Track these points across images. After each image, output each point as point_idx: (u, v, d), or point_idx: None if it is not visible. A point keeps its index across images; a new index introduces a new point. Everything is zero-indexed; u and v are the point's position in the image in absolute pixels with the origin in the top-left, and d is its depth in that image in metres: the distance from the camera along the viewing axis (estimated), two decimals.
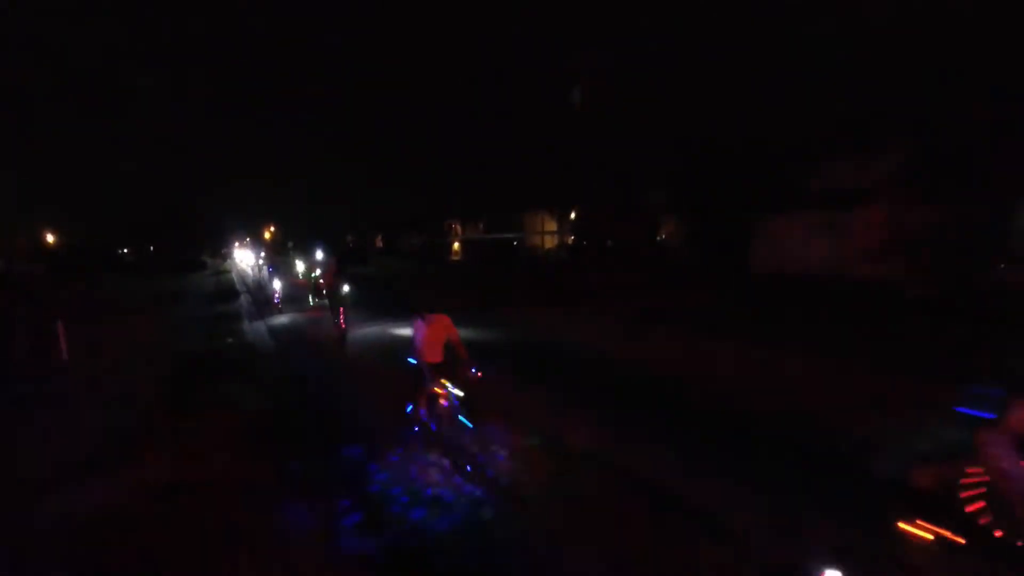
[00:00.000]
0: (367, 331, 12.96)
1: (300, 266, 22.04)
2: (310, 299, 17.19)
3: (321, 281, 15.91)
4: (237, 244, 71.92)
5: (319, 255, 20.32)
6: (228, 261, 60.72)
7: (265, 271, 25.92)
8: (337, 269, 13.21)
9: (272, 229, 77.52)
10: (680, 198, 30.53)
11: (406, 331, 12.14)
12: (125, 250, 68.56)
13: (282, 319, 15.54)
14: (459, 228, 62.59)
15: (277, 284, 17.04)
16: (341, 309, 11.80)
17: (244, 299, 20.99)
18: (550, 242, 51.01)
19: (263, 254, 40.01)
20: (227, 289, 26.66)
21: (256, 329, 14.13)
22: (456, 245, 61.66)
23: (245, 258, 52.76)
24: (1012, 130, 18.44)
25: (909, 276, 17.09)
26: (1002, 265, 16.67)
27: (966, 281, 15.84)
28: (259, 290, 23.66)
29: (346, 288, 12.20)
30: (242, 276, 35.19)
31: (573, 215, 44.87)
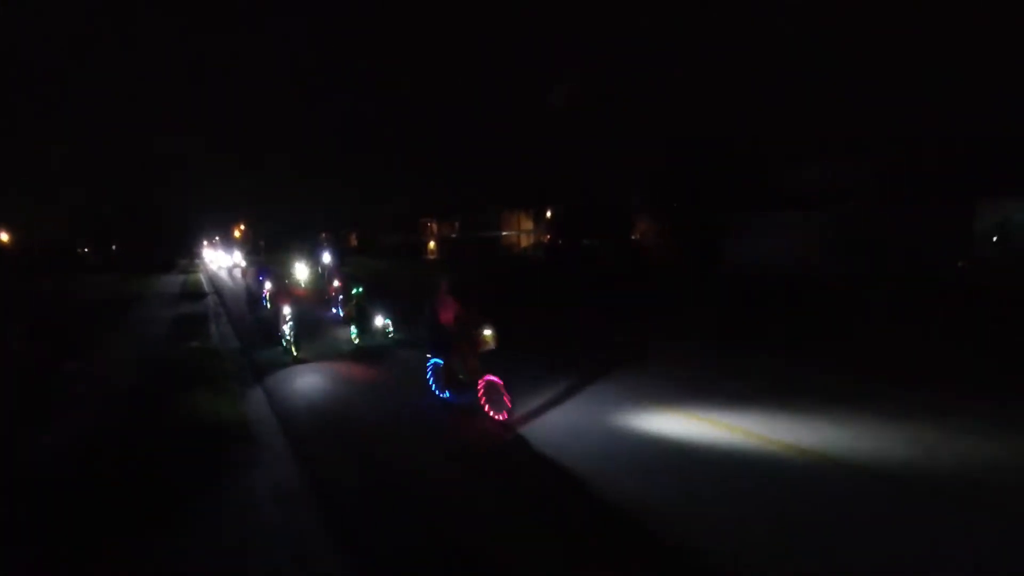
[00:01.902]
0: (560, 426, 5.26)
1: (302, 272, 13.94)
2: (351, 333, 9.42)
3: (349, 301, 9.76)
4: (206, 243, 66.80)
5: (327, 258, 13.87)
6: (196, 261, 55.43)
7: (252, 278, 17.97)
8: (460, 302, 6.15)
9: (242, 228, 72.49)
10: (656, 198, 29.39)
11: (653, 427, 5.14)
12: (86, 249, 62.67)
13: (307, 382, 7.45)
14: (435, 227, 60.02)
15: (287, 310, 9.10)
16: (486, 382, 5.41)
17: (226, 324, 13.34)
18: (526, 240, 49.12)
19: (239, 254, 35.31)
20: (195, 294, 19.18)
21: (262, 425, 5.71)
22: (432, 244, 59.11)
23: (216, 259, 47.86)
24: (976, 139, 18.23)
25: (875, 274, 16.46)
26: (960, 264, 16.56)
27: (928, 278, 15.42)
28: (243, 310, 14.85)
29: (488, 332, 5.57)
30: (218, 285, 26.96)
31: (549, 214, 43.24)
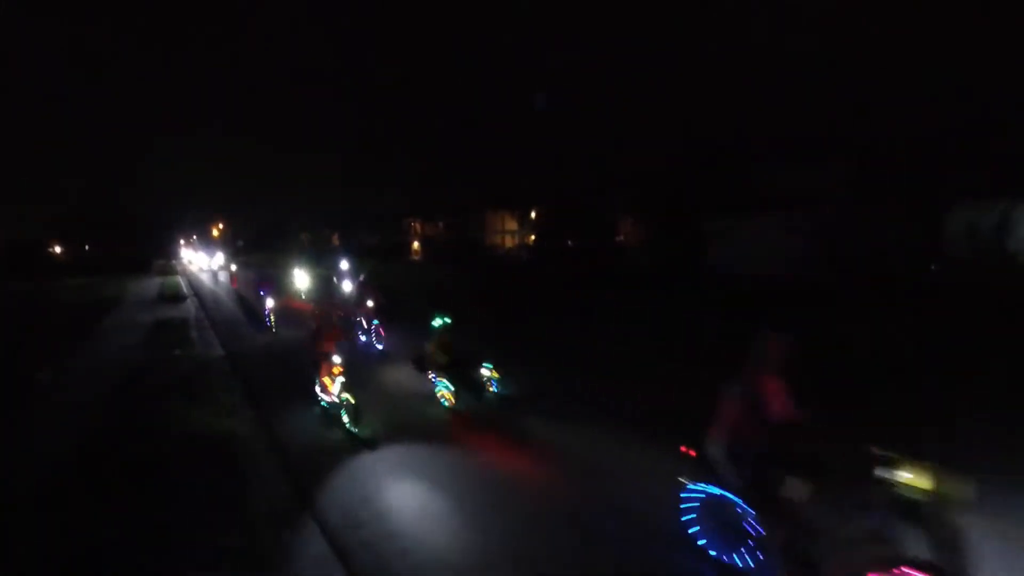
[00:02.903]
0: None
1: (303, 281, 11.40)
2: (439, 388, 6.20)
3: (433, 348, 6.27)
4: (183, 242, 64.19)
5: (344, 265, 10.69)
6: (174, 262, 52.24)
7: (249, 289, 16.26)
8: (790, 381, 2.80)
9: (221, 227, 70.19)
10: (640, 200, 29.48)
11: None
12: (58, 249, 59.87)
13: (416, 507, 3.96)
14: (419, 227, 59.21)
15: (337, 359, 5.81)
16: None
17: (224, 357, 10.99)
18: (511, 241, 48.76)
19: (223, 256, 33.59)
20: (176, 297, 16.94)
21: None
22: (416, 244, 58.31)
23: (196, 259, 45.86)
24: (948, 142, 18.52)
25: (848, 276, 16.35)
26: (933, 267, 16.59)
27: (902, 280, 15.28)
28: (239, 331, 11.80)
29: (946, 487, 2.19)
30: (202, 295, 24.13)
31: (534, 215, 43.08)
